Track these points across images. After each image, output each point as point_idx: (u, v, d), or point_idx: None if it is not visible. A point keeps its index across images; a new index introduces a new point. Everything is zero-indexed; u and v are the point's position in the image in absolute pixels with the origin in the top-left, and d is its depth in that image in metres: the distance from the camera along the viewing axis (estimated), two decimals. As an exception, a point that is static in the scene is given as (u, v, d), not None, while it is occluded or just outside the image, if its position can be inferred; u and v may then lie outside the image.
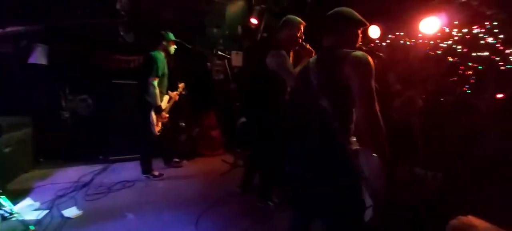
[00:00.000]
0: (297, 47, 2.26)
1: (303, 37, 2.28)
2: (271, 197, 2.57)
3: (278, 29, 2.31)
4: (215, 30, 4.63)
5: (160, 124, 3.15)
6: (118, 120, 3.82)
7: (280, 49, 2.16)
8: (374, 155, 1.15)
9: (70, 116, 3.99)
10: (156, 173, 3.30)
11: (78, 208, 2.46)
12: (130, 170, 3.47)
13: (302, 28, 2.26)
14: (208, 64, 4.59)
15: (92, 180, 3.15)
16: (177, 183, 3.23)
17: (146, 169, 3.25)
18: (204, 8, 4.38)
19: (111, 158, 3.77)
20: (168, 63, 3.23)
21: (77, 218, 2.32)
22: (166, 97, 3.30)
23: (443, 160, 2.79)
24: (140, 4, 3.97)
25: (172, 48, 3.24)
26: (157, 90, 2.96)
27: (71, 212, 2.38)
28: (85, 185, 2.99)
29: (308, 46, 2.22)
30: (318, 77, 1.27)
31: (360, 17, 1.38)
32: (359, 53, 1.21)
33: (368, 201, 1.18)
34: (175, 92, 3.46)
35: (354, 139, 1.27)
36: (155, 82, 2.94)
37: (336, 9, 1.40)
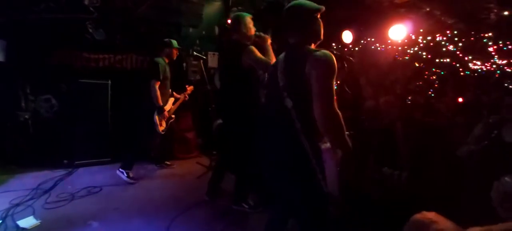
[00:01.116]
0: (256, 39, 2.35)
1: (255, 29, 2.39)
2: (247, 199, 2.55)
3: (231, 30, 2.41)
4: (191, 30, 4.54)
5: (164, 123, 3.29)
6: (85, 122, 3.60)
7: (246, 46, 2.25)
8: (338, 150, 1.20)
9: (30, 117, 3.68)
10: (131, 175, 3.16)
11: (36, 217, 2.26)
12: (97, 174, 3.28)
13: (249, 20, 2.36)
14: (184, 64, 4.48)
15: (53, 186, 2.92)
16: (149, 187, 3.09)
17: (126, 166, 3.14)
18: (181, 8, 4.28)
19: (76, 162, 3.52)
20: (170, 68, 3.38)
21: (34, 229, 2.13)
22: (171, 100, 3.46)
23: (409, 159, 2.94)
24: (113, 0, 3.78)
25: (175, 54, 3.42)
26: (158, 93, 3.11)
27: (28, 222, 2.18)
28: (45, 192, 2.77)
29: (262, 34, 2.34)
30: (283, 77, 1.29)
31: (314, 4, 1.37)
32: (320, 53, 1.22)
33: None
34: (182, 94, 3.64)
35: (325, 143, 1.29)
36: (157, 85, 3.10)
37: (291, 3, 1.39)
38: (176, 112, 3.60)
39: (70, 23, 3.74)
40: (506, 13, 2.82)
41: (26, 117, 3.64)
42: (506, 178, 1.39)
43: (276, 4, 3.71)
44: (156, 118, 3.16)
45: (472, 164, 2.47)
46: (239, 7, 4.28)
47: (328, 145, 1.26)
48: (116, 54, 4.00)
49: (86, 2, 3.63)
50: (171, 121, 3.46)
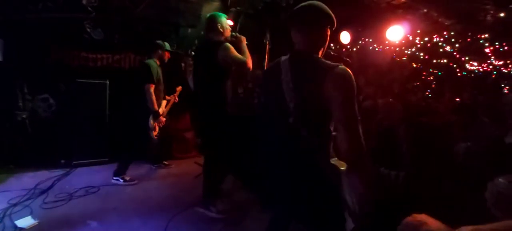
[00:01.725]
0: (232, 39, 2.36)
1: (230, 30, 2.40)
2: (215, 204, 2.43)
3: (207, 29, 2.38)
4: (190, 30, 4.54)
5: (157, 128, 3.24)
6: (83, 121, 3.59)
7: (222, 43, 2.23)
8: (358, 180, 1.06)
9: (28, 117, 3.66)
10: (127, 178, 3.15)
11: (34, 217, 2.26)
12: (95, 174, 3.27)
13: (225, 21, 2.36)
14: (182, 64, 4.48)
15: (51, 186, 2.92)
16: (147, 187, 3.10)
17: (120, 171, 3.11)
18: (180, 7, 4.27)
19: (74, 162, 3.51)
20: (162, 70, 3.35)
21: (32, 228, 2.12)
22: (163, 102, 3.42)
23: (406, 160, 2.95)
24: (111, 0, 3.77)
25: (167, 57, 3.39)
26: (154, 97, 3.07)
27: (26, 222, 2.18)
28: (43, 192, 2.76)
29: (237, 35, 2.37)
30: (292, 95, 1.11)
31: (332, 13, 1.23)
32: (341, 69, 1.07)
33: (350, 224, 1.11)
34: (172, 95, 3.58)
35: (335, 159, 1.19)
36: (152, 89, 3.06)
37: (310, 2, 1.22)
38: (174, 112, 3.60)
39: (68, 23, 3.72)
40: (502, 14, 2.85)
41: (24, 116, 3.62)
42: (500, 179, 1.40)
43: (274, 5, 3.71)
44: (151, 122, 3.12)
45: (470, 162, 2.49)
46: (238, 8, 4.28)
47: (340, 163, 1.15)
48: (114, 53, 4.00)
49: (84, 2, 3.60)
50: (162, 125, 3.34)
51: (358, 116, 1.05)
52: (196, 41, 4.57)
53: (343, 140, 1.04)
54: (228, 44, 2.22)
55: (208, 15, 2.43)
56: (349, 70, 1.08)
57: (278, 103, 1.17)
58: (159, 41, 3.35)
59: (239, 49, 2.28)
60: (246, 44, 2.37)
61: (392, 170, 2.98)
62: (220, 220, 2.36)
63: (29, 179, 3.05)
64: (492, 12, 2.86)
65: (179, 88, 3.68)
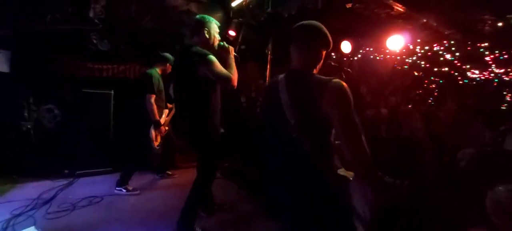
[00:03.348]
0: (219, 50, 2.14)
1: (219, 38, 2.19)
2: (193, 226, 2.22)
3: (192, 32, 2.16)
4: (193, 40, 4.62)
5: (159, 139, 3.21)
6: (87, 131, 3.61)
7: (205, 55, 1.95)
8: (367, 187, 1.10)
9: (32, 127, 3.70)
10: (130, 188, 3.14)
11: (37, 227, 2.25)
12: (98, 184, 3.27)
13: (214, 28, 2.15)
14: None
15: (54, 196, 2.91)
16: (150, 197, 3.09)
17: (123, 181, 3.11)
18: (183, 19, 4.37)
19: (77, 172, 3.52)
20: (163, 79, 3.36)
21: (35, 239, 2.12)
22: (165, 111, 3.39)
23: (410, 168, 2.94)
24: (117, 11, 3.86)
25: (169, 69, 3.34)
26: (155, 107, 3.06)
27: (29, 232, 2.18)
28: (46, 202, 2.76)
29: (226, 44, 2.12)
30: (292, 112, 1.14)
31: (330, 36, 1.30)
32: (336, 83, 1.10)
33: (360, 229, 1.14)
34: (173, 104, 3.54)
35: (342, 169, 1.23)
36: (152, 99, 3.06)
37: (312, 22, 1.28)
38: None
39: (75, 34, 3.81)
40: (500, 24, 2.89)
41: (29, 126, 3.66)
42: (500, 187, 1.40)
43: (276, 16, 3.78)
44: (152, 133, 3.09)
45: (473, 169, 2.48)
46: (240, 19, 4.37)
47: (346, 172, 1.20)
48: (119, 64, 4.06)
49: (91, 14, 3.71)
50: (166, 132, 3.33)
51: (359, 125, 1.08)
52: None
53: (348, 151, 1.08)
54: (211, 57, 1.94)
55: (197, 16, 2.17)
56: (344, 83, 1.11)
57: (280, 119, 1.20)
58: (166, 54, 3.34)
59: (225, 62, 2.03)
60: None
61: (397, 178, 2.97)
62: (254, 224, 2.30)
63: (32, 189, 3.05)
64: (490, 22, 2.92)
65: None
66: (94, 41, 3.76)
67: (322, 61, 1.31)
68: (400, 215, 2.41)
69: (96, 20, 3.63)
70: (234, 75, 1.98)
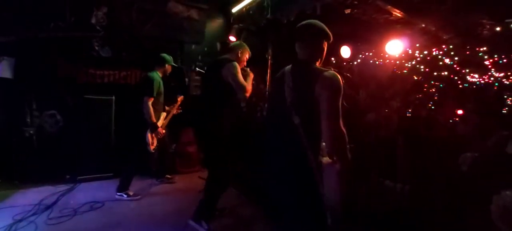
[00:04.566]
0: (242, 72, 2.43)
1: (245, 64, 2.54)
2: (208, 221, 2.40)
3: (231, 49, 2.53)
4: (194, 46, 4.67)
5: (155, 142, 3.23)
6: (89, 137, 3.64)
7: (232, 61, 2.31)
8: (337, 165, 1.26)
9: (35, 133, 3.73)
10: (131, 193, 3.15)
11: (38, 233, 2.27)
12: (99, 189, 3.28)
13: (245, 54, 2.51)
14: (186, 80, 4.58)
15: (56, 201, 2.93)
16: (151, 202, 3.09)
17: (123, 187, 3.12)
18: (184, 25, 4.42)
19: (79, 177, 3.54)
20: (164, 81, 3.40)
21: (37, 245, 2.13)
22: (163, 114, 3.41)
23: (411, 172, 2.94)
24: (119, 18, 3.92)
25: (169, 70, 3.45)
26: (152, 109, 3.09)
27: (30, 238, 2.19)
28: (48, 207, 2.77)
29: (247, 70, 2.48)
30: (291, 93, 1.34)
31: (329, 30, 1.49)
32: (329, 73, 1.30)
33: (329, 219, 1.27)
34: (173, 106, 3.57)
35: (325, 157, 1.36)
36: (150, 102, 3.08)
37: (309, 20, 1.50)
38: (177, 126, 3.62)
39: (77, 41, 3.86)
40: (498, 28, 2.91)
41: (31, 132, 3.68)
42: (507, 192, 1.40)
43: (275, 21, 3.82)
44: (148, 135, 3.12)
45: (474, 174, 2.46)
46: (241, 24, 4.42)
47: (327, 159, 1.31)
48: (121, 70, 4.09)
49: (94, 21, 3.77)
50: (161, 137, 3.32)
51: (340, 111, 1.25)
52: (199, 57, 4.70)
53: (326, 127, 1.25)
54: (236, 64, 2.28)
55: (236, 42, 2.63)
56: (338, 75, 1.30)
57: (279, 100, 1.41)
58: (166, 55, 3.40)
59: (244, 79, 2.34)
60: (249, 60, 2.51)
61: (397, 182, 2.97)
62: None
63: (34, 195, 3.07)
64: (488, 26, 2.93)
65: (180, 98, 3.67)
66: (96, 47, 3.80)
67: (325, 52, 1.50)
68: (400, 219, 2.41)
69: (98, 27, 3.68)
70: (249, 87, 2.30)
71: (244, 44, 2.57)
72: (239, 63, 2.39)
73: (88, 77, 3.94)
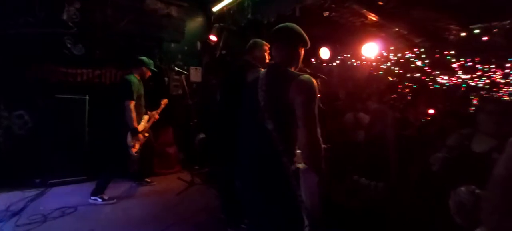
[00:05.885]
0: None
1: (269, 57, 2.38)
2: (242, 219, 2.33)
3: (247, 51, 2.38)
4: (173, 45, 4.58)
5: (137, 145, 3.15)
6: (60, 138, 3.48)
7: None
8: (312, 173, 1.21)
9: (2, 135, 3.50)
10: (106, 197, 3.05)
11: (3, 241, 2.15)
12: (72, 194, 3.15)
13: (267, 49, 2.38)
14: (166, 79, 4.48)
15: (24, 207, 2.78)
16: (127, 206, 3.01)
17: (99, 190, 3.01)
18: (163, 23, 4.32)
19: (49, 181, 3.37)
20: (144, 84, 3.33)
21: (1, 254, 2.02)
22: (145, 117, 3.35)
23: (384, 170, 3.06)
24: (93, 15, 3.75)
25: (147, 74, 3.34)
26: (134, 113, 3.02)
27: (-6, 247, 2.07)
28: (16, 214, 2.63)
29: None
30: (264, 97, 1.29)
31: (305, 35, 1.43)
32: (304, 77, 1.25)
33: (305, 221, 1.23)
34: (155, 111, 3.49)
35: (299, 162, 1.31)
36: (132, 106, 3.01)
37: (287, 24, 1.45)
38: (156, 127, 3.55)
39: (48, 38, 3.66)
40: (464, 34, 3.10)
41: (-2, 134, 3.47)
42: (462, 188, 1.49)
43: (256, 22, 3.84)
44: (129, 139, 3.05)
45: (443, 172, 2.61)
46: (221, 24, 4.39)
47: (303, 165, 1.27)
48: (94, 69, 3.93)
49: (65, 17, 3.59)
50: (146, 139, 3.29)
51: (317, 117, 1.22)
52: (179, 56, 4.62)
53: (302, 135, 1.21)
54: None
55: (256, 39, 2.41)
56: (312, 79, 1.26)
57: (251, 104, 1.36)
58: (144, 58, 3.31)
59: None
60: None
61: (372, 180, 3.08)
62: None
63: (0, 201, 2.89)
64: (455, 31, 3.12)
65: (164, 101, 3.59)
66: (68, 45, 3.63)
67: (301, 57, 1.45)
68: (375, 216, 2.51)
69: (70, 24, 3.51)
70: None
71: (257, 39, 2.41)
72: (263, 62, 2.25)
73: (60, 76, 3.75)
